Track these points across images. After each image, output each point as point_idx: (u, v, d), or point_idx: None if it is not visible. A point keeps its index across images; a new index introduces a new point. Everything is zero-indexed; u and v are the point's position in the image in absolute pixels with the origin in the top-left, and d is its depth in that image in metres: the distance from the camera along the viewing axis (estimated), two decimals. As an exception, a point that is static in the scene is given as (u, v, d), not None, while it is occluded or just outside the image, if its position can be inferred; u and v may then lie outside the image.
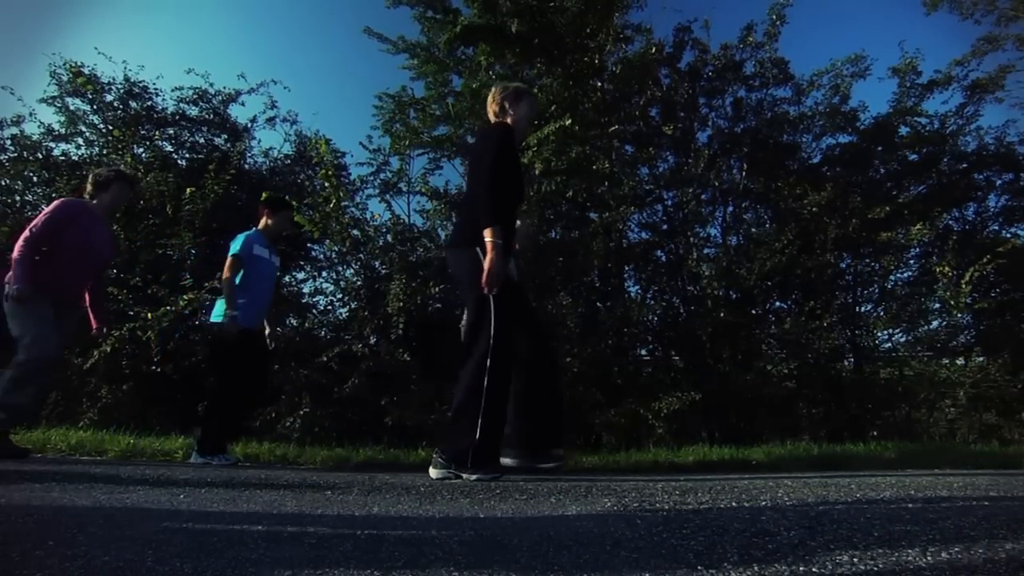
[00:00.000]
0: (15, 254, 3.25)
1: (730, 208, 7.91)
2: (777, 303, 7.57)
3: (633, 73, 7.40)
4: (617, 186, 7.03)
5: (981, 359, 7.35)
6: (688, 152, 7.76)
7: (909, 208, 7.11)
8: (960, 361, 7.39)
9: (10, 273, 3.30)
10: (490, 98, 2.90)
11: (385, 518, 1.40)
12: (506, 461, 2.72)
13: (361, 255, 6.31)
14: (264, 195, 4.41)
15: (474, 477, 2.43)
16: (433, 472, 2.54)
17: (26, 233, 3.30)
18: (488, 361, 2.39)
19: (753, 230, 7.72)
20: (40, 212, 3.46)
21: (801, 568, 0.81)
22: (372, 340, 5.91)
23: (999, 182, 8.24)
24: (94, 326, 3.72)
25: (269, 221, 4.04)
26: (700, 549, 0.95)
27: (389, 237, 6.47)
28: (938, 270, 6.72)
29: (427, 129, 7.97)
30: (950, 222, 8.00)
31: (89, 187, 3.63)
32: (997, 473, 3.19)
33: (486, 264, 2.38)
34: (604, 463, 4.29)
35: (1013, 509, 1.42)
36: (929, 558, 0.86)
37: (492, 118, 2.88)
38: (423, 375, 5.73)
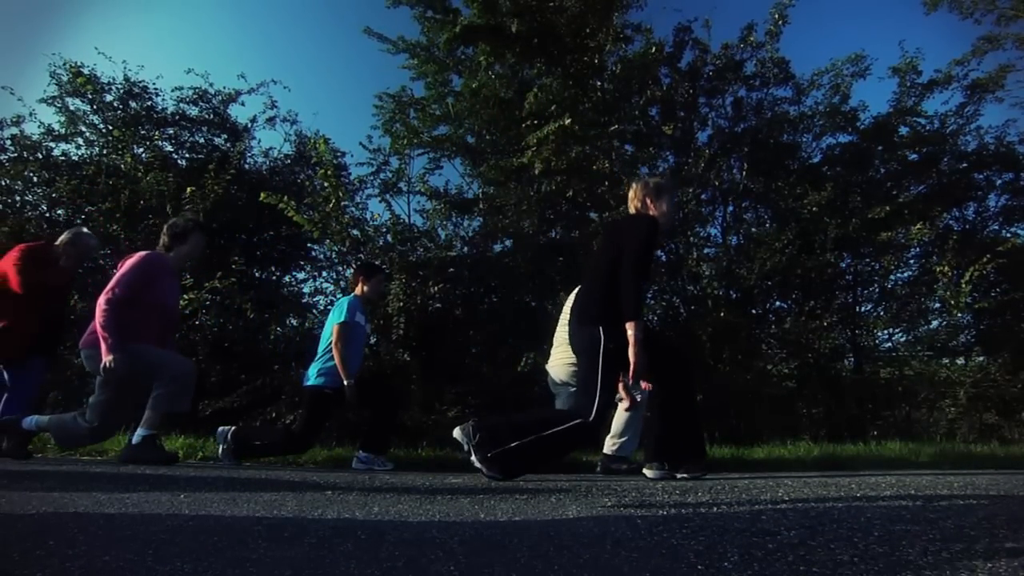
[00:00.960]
0: (100, 320, 3.16)
1: (730, 208, 7.91)
2: (777, 303, 7.58)
3: (633, 73, 7.40)
4: (617, 186, 7.03)
5: (981, 359, 7.35)
6: (688, 152, 7.76)
7: (909, 208, 7.10)
8: (960, 361, 7.39)
9: (87, 335, 3.26)
10: (632, 192, 2.99)
11: (385, 518, 1.40)
12: (650, 473, 3.01)
13: (361, 255, 6.31)
14: (359, 263, 4.65)
15: (477, 466, 2.50)
16: (456, 433, 2.60)
17: (108, 295, 3.20)
18: (569, 425, 2.43)
19: (753, 230, 7.72)
20: (121, 267, 3.34)
21: (801, 568, 0.81)
22: (372, 340, 5.91)
23: (999, 182, 8.24)
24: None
25: (365, 288, 4.06)
26: (700, 549, 0.95)
27: (389, 237, 6.47)
28: (938, 270, 6.72)
29: (427, 129, 7.97)
30: (950, 222, 8.00)
31: (165, 239, 3.52)
32: (997, 473, 3.20)
33: (632, 359, 2.49)
34: (604, 463, 4.28)
35: (1013, 509, 1.42)
36: (930, 557, 0.86)
37: (632, 211, 2.97)
38: (423, 375, 5.73)
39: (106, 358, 3.12)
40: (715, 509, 1.48)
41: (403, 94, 8.20)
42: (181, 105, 7.62)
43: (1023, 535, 1.07)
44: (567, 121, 6.50)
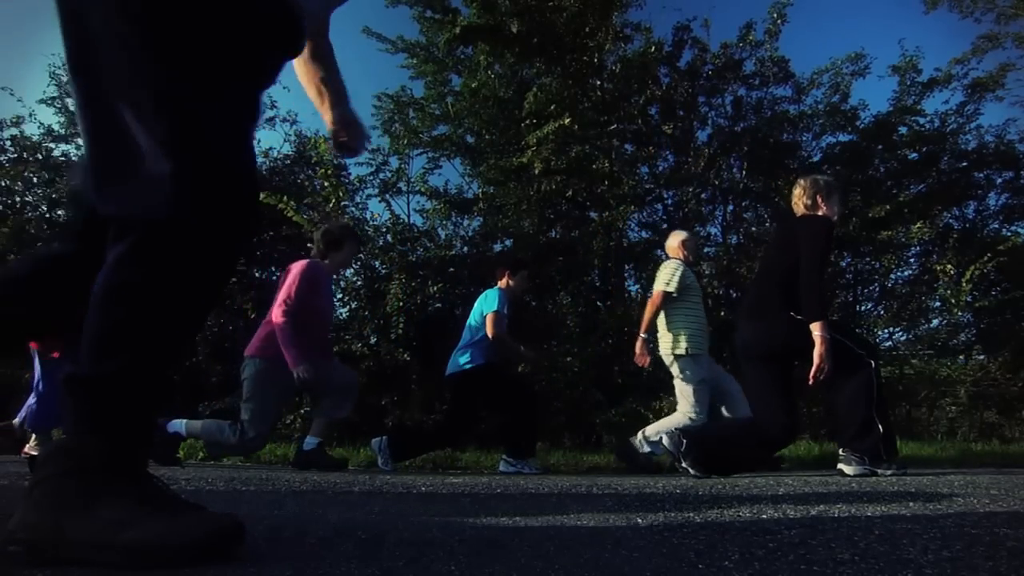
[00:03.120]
0: (282, 334, 3.18)
1: (730, 207, 7.91)
2: (777, 302, 7.56)
3: (632, 72, 7.40)
4: (617, 185, 7.02)
5: (981, 357, 7.35)
6: (688, 151, 7.76)
7: (909, 207, 7.10)
8: (960, 359, 7.39)
9: (255, 344, 3.31)
10: (799, 190, 3.07)
11: (386, 518, 1.40)
12: (848, 470, 2.93)
13: (361, 255, 6.31)
14: (501, 258, 4.71)
15: (889, 472, 2.69)
16: (848, 470, 2.77)
17: (283, 307, 3.23)
18: (872, 373, 2.71)
19: (753, 229, 7.72)
20: (286, 277, 3.39)
21: (802, 567, 0.81)
22: (372, 340, 5.92)
23: (999, 180, 8.24)
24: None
25: (510, 282, 4.09)
26: (701, 548, 0.95)
27: (389, 237, 6.48)
28: (938, 269, 6.72)
29: (426, 129, 7.96)
30: (950, 221, 8.00)
31: (320, 245, 3.55)
32: (998, 472, 3.20)
33: (817, 357, 2.65)
34: (605, 463, 4.29)
35: (1014, 507, 1.42)
36: (930, 556, 0.86)
37: (801, 211, 3.02)
38: (423, 375, 5.74)
39: (295, 369, 3.15)
40: (715, 508, 1.48)
41: (402, 94, 8.20)
42: (181, 105, 7.62)
43: (1024, 534, 1.07)
44: (567, 121, 6.50)
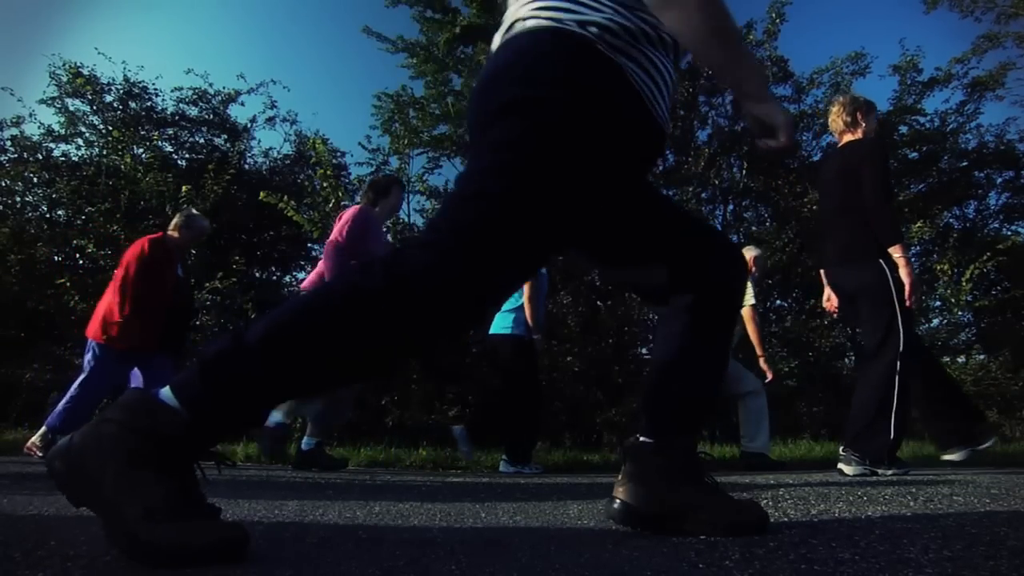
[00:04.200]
0: (328, 263, 3.23)
1: (730, 207, 7.91)
2: (778, 301, 7.58)
3: (633, 72, 7.39)
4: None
5: (982, 357, 7.35)
6: (688, 151, 7.75)
7: (909, 206, 7.11)
8: (961, 359, 7.39)
9: (309, 281, 3.31)
10: (837, 108, 2.97)
11: (386, 517, 1.40)
12: (954, 457, 2.89)
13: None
14: None
15: (890, 472, 2.66)
16: (848, 469, 2.74)
17: (333, 243, 3.27)
18: (898, 367, 2.63)
19: (753, 228, 7.72)
20: (340, 220, 3.43)
21: (803, 566, 0.81)
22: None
23: (999, 180, 8.24)
24: None
25: None
26: (702, 547, 0.95)
27: (389, 236, 6.47)
28: (938, 268, 6.72)
29: (426, 129, 7.96)
30: (950, 220, 8.00)
31: (369, 194, 3.62)
32: (998, 471, 3.19)
33: (907, 277, 2.60)
34: (605, 462, 4.29)
35: (1014, 506, 1.42)
36: (931, 555, 0.86)
37: (840, 128, 2.95)
38: (423, 375, 5.74)
39: None
40: (716, 508, 1.48)
41: (402, 94, 8.20)
42: (181, 105, 7.63)
43: (1024, 533, 1.07)
44: (567, 120, 6.49)
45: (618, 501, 1.09)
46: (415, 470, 3.95)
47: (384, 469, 3.90)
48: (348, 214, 3.41)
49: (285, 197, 5.93)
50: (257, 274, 7.34)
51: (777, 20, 7.62)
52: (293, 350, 0.88)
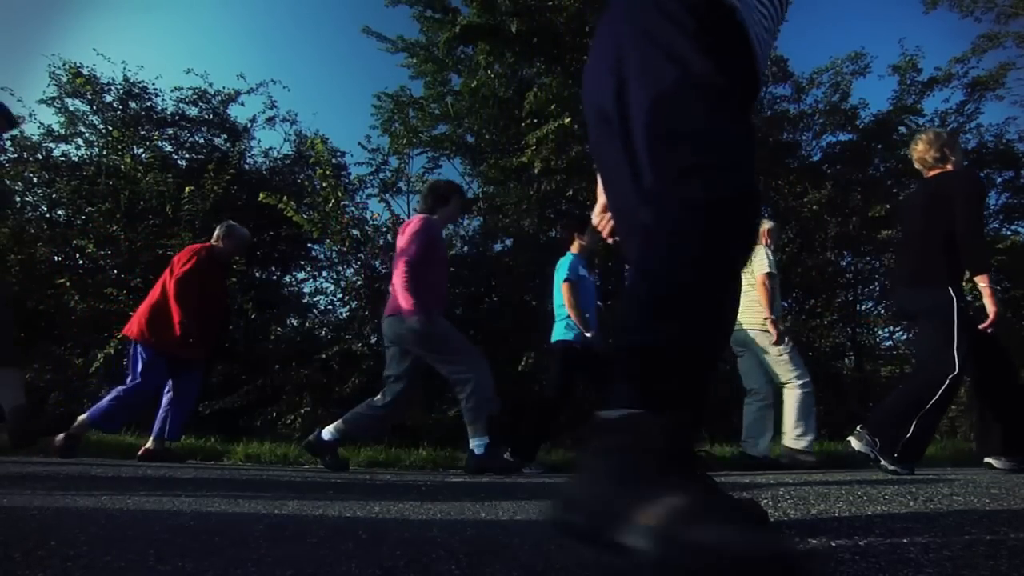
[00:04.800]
0: (402, 282, 3.17)
1: (730, 207, 7.90)
2: (777, 301, 7.57)
3: (633, 72, 7.38)
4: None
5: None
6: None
7: (909, 206, 7.09)
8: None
9: (391, 303, 3.27)
10: (922, 145, 3.03)
11: (386, 517, 1.40)
12: (997, 464, 2.94)
13: (361, 255, 6.31)
14: (566, 218, 4.67)
15: (891, 468, 2.71)
16: (856, 444, 2.82)
17: (406, 258, 3.22)
18: (944, 386, 2.70)
19: (753, 228, 7.70)
20: (404, 233, 3.39)
21: (803, 566, 0.80)
22: (372, 339, 5.91)
23: (999, 180, 8.24)
24: None
25: (581, 241, 4.01)
26: (701, 547, 0.94)
27: (389, 237, 6.47)
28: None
29: (426, 128, 7.96)
30: (950, 220, 7.98)
31: (428, 201, 3.60)
32: (998, 470, 3.19)
33: (992, 307, 2.72)
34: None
35: (1014, 507, 1.42)
36: (931, 555, 0.86)
37: (929, 164, 3.01)
38: (423, 375, 5.74)
39: (411, 319, 3.12)
40: (716, 508, 1.48)
41: (402, 93, 8.20)
42: (181, 105, 7.63)
43: (1024, 533, 1.07)
44: (567, 120, 6.50)
45: (568, 499, 0.96)
46: (415, 470, 3.96)
47: (384, 469, 3.90)
48: (413, 227, 3.36)
49: (285, 197, 5.92)
50: (257, 274, 7.34)
51: (777, 20, 7.62)
52: (671, 294, 0.83)
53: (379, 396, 3.33)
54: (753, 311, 3.98)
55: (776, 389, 4.05)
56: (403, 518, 1.39)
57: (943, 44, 20.58)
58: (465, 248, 6.89)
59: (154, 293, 3.72)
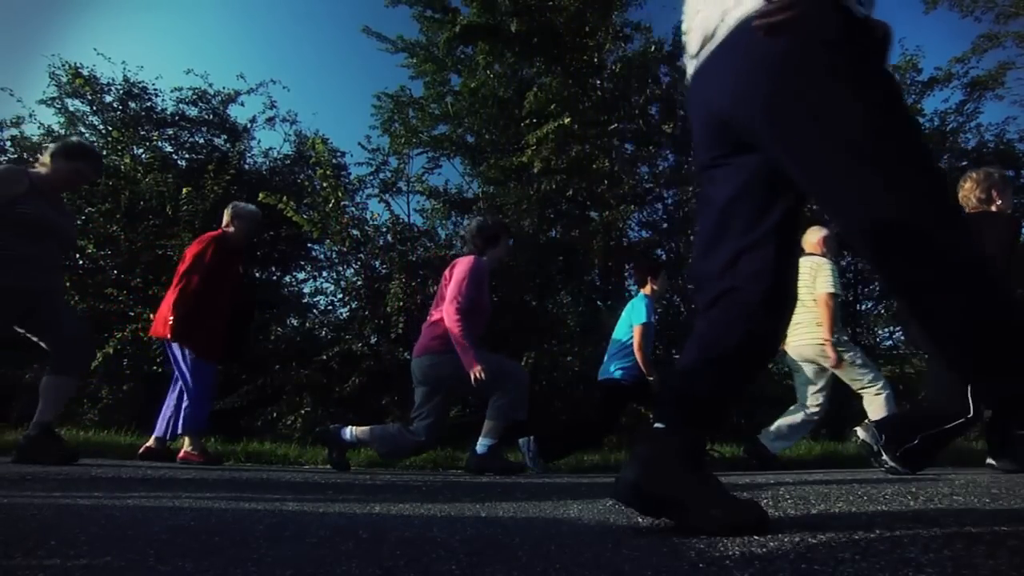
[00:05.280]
0: (457, 332, 3.10)
1: (730, 207, 7.89)
2: (777, 301, 7.56)
3: (633, 71, 7.40)
4: (617, 185, 7.02)
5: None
6: (688, 150, 7.75)
7: (909, 206, 7.09)
8: (961, 359, 7.38)
9: (426, 343, 3.22)
10: (970, 184, 3.03)
11: (386, 517, 1.40)
12: (999, 465, 2.98)
13: (361, 255, 6.31)
14: (643, 262, 4.83)
15: (891, 464, 2.69)
16: (861, 434, 2.79)
17: (456, 304, 3.16)
18: (957, 421, 2.68)
19: (753, 228, 7.70)
20: (452, 274, 3.33)
21: (803, 566, 0.81)
22: (372, 340, 5.91)
23: (999, 179, 8.22)
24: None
25: (654, 287, 4.11)
26: (702, 547, 0.95)
27: (389, 237, 6.48)
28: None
29: (426, 128, 7.97)
30: (950, 219, 7.98)
31: (478, 241, 3.53)
32: (999, 471, 3.19)
33: None
34: (606, 462, 4.29)
35: (1014, 506, 1.42)
36: (931, 555, 0.86)
37: (973, 204, 3.00)
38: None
39: (473, 370, 3.07)
40: (716, 507, 1.48)
41: (402, 94, 8.21)
42: (180, 105, 7.63)
43: (1024, 532, 1.07)
44: (567, 120, 6.50)
45: (623, 479, 1.11)
46: (415, 470, 3.96)
47: (384, 469, 3.90)
48: (463, 268, 3.30)
49: (285, 197, 5.93)
50: (257, 274, 7.34)
51: (777, 20, 7.62)
52: None
53: (412, 427, 3.25)
54: (811, 329, 3.78)
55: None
56: (403, 518, 1.39)
57: (943, 44, 20.60)
58: (465, 249, 6.89)
59: (171, 294, 3.64)
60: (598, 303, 7.03)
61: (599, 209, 7.13)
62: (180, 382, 3.62)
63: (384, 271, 6.18)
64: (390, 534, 1.13)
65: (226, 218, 3.90)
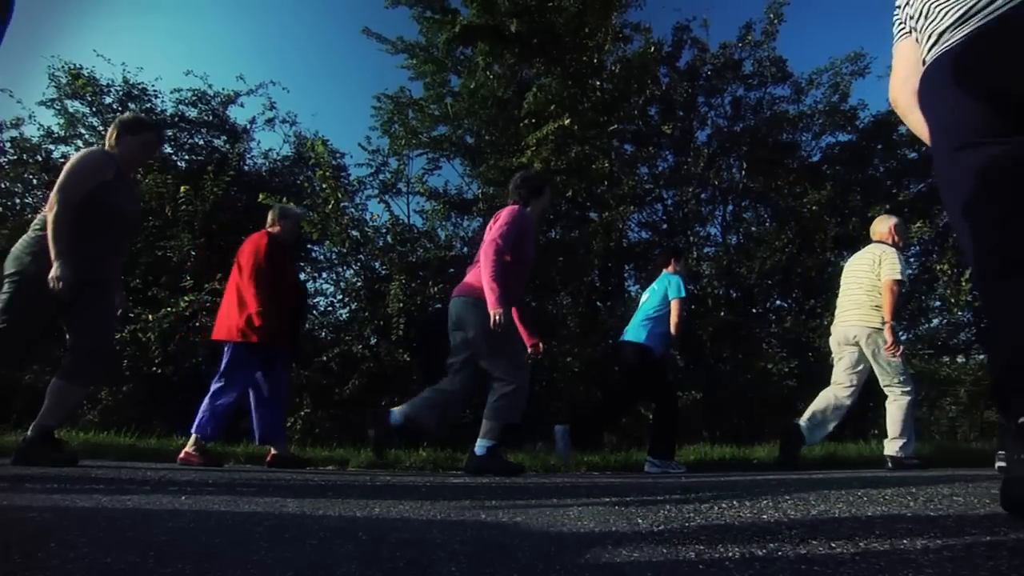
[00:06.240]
0: (490, 270, 3.01)
1: (730, 207, 7.91)
2: (777, 302, 7.58)
3: (632, 72, 7.41)
4: (617, 186, 7.03)
5: (982, 357, 7.35)
6: (687, 151, 7.76)
7: (909, 206, 7.11)
8: (961, 359, 7.39)
9: (464, 284, 3.16)
10: None
11: (386, 519, 1.40)
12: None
13: (361, 256, 6.31)
14: (666, 246, 5.16)
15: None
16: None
17: (495, 245, 3.05)
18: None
19: (753, 229, 7.72)
20: (496, 221, 3.20)
21: (803, 566, 0.81)
22: (372, 341, 5.91)
23: (998, 179, 8.22)
24: (528, 343, 3.46)
25: (677, 267, 4.28)
26: (701, 548, 0.95)
27: (389, 238, 6.47)
28: (938, 268, 6.71)
29: (426, 129, 7.97)
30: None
31: (522, 191, 3.41)
32: (998, 471, 3.19)
33: None
34: (605, 462, 4.29)
35: (1014, 506, 1.41)
36: (931, 555, 0.86)
37: None
38: (423, 376, 5.73)
39: (494, 311, 2.98)
40: (716, 508, 1.48)
41: (402, 94, 8.21)
42: (180, 107, 7.63)
43: (1024, 533, 1.07)
44: (566, 121, 6.51)
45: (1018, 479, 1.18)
46: (415, 471, 3.95)
47: (384, 470, 3.90)
48: (505, 216, 3.20)
49: (284, 198, 5.92)
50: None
51: (775, 21, 7.63)
52: None
53: (440, 384, 3.18)
54: (868, 312, 3.84)
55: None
56: (403, 519, 1.39)
57: (942, 44, 20.55)
58: (465, 249, 6.89)
59: (231, 293, 3.61)
60: (598, 304, 7.03)
61: (599, 210, 7.13)
62: (220, 384, 3.54)
63: (384, 272, 6.18)
64: (390, 536, 1.13)
65: (271, 219, 3.89)
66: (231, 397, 3.52)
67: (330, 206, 6.04)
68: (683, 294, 4.06)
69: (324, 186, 6.18)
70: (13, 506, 1.50)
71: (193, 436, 3.45)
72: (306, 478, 2.80)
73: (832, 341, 4.13)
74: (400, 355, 5.59)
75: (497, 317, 2.98)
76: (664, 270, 4.34)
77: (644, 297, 4.32)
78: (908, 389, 3.82)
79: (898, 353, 3.77)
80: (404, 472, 3.79)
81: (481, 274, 3.06)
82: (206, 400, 3.50)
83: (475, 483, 2.66)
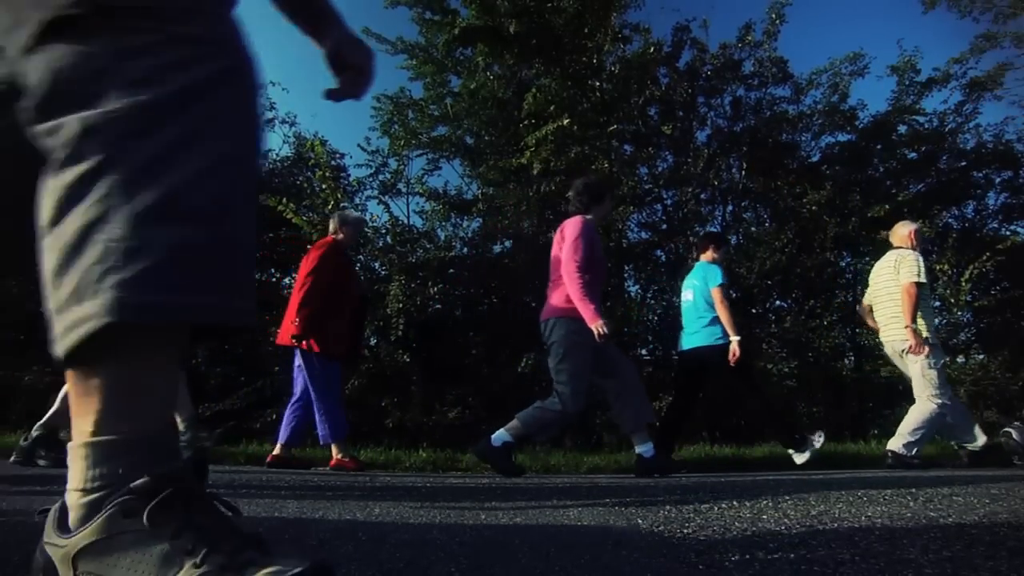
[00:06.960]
0: (578, 289, 3.05)
1: (729, 207, 7.91)
2: (777, 302, 7.58)
3: (632, 73, 7.40)
4: (616, 186, 7.03)
5: (981, 356, 7.36)
6: (687, 152, 7.76)
7: (908, 206, 7.11)
8: (960, 359, 7.39)
9: (553, 306, 3.18)
10: None
11: (386, 519, 1.40)
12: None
13: (361, 256, 6.31)
14: (705, 234, 5.02)
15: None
16: (1015, 435, 3.28)
17: (575, 263, 3.10)
18: None
19: (753, 229, 7.72)
20: (563, 233, 3.25)
21: (803, 567, 0.81)
22: (372, 341, 5.91)
23: (998, 180, 8.25)
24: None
25: (715, 254, 4.20)
26: (701, 548, 0.95)
27: (388, 238, 6.48)
28: (938, 268, 6.72)
29: (425, 130, 7.96)
30: (949, 220, 8.00)
31: (584, 198, 3.41)
32: (998, 471, 3.19)
33: None
34: (605, 463, 4.29)
35: (1014, 506, 1.42)
36: (931, 556, 0.86)
37: None
38: (423, 376, 5.74)
39: (595, 325, 3.03)
40: (716, 508, 1.48)
41: (401, 95, 8.20)
42: (180, 107, 7.61)
43: (1024, 533, 1.07)
44: (566, 121, 6.50)
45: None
46: (415, 472, 3.95)
47: (384, 471, 3.90)
48: (574, 229, 3.21)
49: (284, 199, 5.93)
50: (257, 275, 7.34)
51: (777, 21, 7.63)
52: None
53: (547, 401, 3.19)
54: (901, 322, 3.83)
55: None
56: (403, 520, 1.39)
57: (942, 44, 20.63)
58: (465, 249, 6.89)
59: (295, 300, 3.66)
60: (598, 304, 7.02)
61: (598, 210, 7.12)
62: (306, 390, 3.61)
63: (384, 272, 6.19)
64: (390, 536, 1.13)
65: (333, 225, 3.93)
66: (337, 399, 3.66)
67: (330, 207, 6.04)
68: (722, 280, 3.96)
69: (324, 187, 6.18)
70: (13, 507, 1.50)
71: (331, 445, 3.61)
72: (305, 479, 2.79)
73: (887, 352, 4.15)
74: (400, 355, 5.59)
75: (600, 330, 3.04)
76: (702, 257, 4.26)
77: (686, 296, 4.16)
78: (940, 403, 3.78)
79: (927, 352, 3.76)
80: (404, 472, 3.79)
81: (571, 296, 3.11)
82: (300, 409, 3.61)
83: (475, 483, 2.66)
